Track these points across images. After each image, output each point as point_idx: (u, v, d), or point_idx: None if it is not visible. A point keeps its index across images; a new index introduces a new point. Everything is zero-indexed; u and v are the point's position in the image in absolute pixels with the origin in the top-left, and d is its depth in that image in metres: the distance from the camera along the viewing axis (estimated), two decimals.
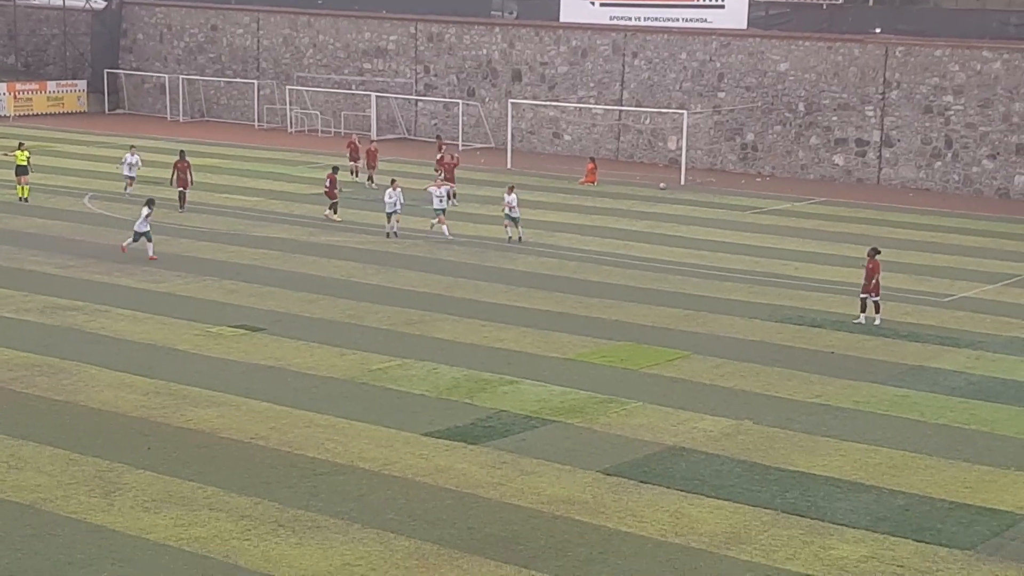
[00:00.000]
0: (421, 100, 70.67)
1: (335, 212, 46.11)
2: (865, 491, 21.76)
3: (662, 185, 55.43)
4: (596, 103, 65.31)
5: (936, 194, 56.29)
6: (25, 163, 48.19)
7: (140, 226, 38.21)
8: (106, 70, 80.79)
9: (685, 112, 60.17)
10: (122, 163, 50.23)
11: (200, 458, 22.59)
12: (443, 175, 48.80)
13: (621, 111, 64.67)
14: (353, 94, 72.09)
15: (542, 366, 28.64)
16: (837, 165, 59.42)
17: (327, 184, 46.27)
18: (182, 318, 32.05)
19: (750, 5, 62.69)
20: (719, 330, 32.22)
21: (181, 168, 47.31)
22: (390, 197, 42.65)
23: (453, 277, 37.45)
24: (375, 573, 18.33)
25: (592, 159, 58.34)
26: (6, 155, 51.74)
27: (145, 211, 38.29)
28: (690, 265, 39.94)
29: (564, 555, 19.04)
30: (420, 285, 36.31)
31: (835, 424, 25.20)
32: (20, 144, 49.92)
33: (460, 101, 68.30)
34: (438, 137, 61.80)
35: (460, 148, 63.67)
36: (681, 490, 21.64)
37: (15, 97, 77.33)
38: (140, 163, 50.41)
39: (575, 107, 65.75)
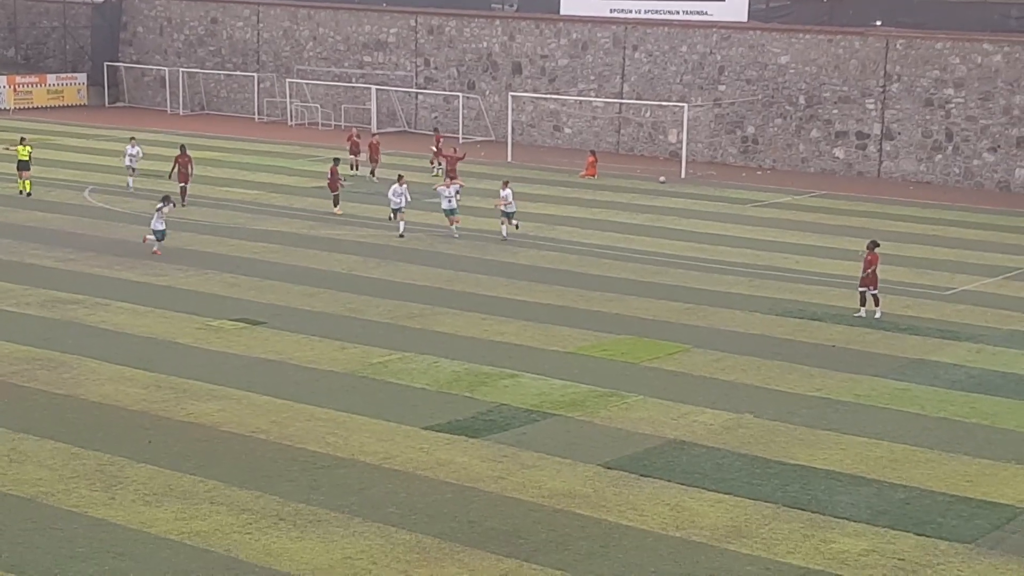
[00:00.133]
0: (421, 93, 70.64)
1: (335, 205, 46.06)
2: (866, 484, 21.77)
3: (662, 179, 55.41)
4: (596, 96, 65.26)
5: (937, 187, 56.27)
6: (27, 158, 48.13)
7: (156, 223, 38.08)
8: (106, 63, 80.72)
9: (686, 105, 60.14)
10: (124, 155, 50.17)
11: (201, 452, 22.61)
12: (440, 165, 48.46)
13: (621, 104, 64.64)
14: (353, 87, 72.05)
15: (543, 360, 28.65)
16: (838, 158, 59.39)
17: (329, 176, 46.21)
18: (183, 311, 32.07)
19: None
20: (719, 323, 32.22)
21: (182, 162, 47.26)
22: (395, 194, 42.27)
23: (454, 271, 37.44)
24: (376, 567, 18.34)
25: (592, 152, 58.31)
26: (7, 149, 51.71)
27: (162, 207, 38.15)
28: (690, 258, 39.94)
29: (565, 549, 19.06)
30: (421, 279, 36.31)
31: (836, 418, 25.22)
32: (22, 139, 49.85)
33: (460, 94, 68.27)
34: (435, 130, 61.79)
35: (460, 141, 63.64)
36: (682, 484, 21.65)
37: (15, 90, 77.27)
38: (141, 154, 50.37)
39: (575, 100, 65.72)
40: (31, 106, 77.28)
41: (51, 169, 53.62)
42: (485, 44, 68.82)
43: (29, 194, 47.94)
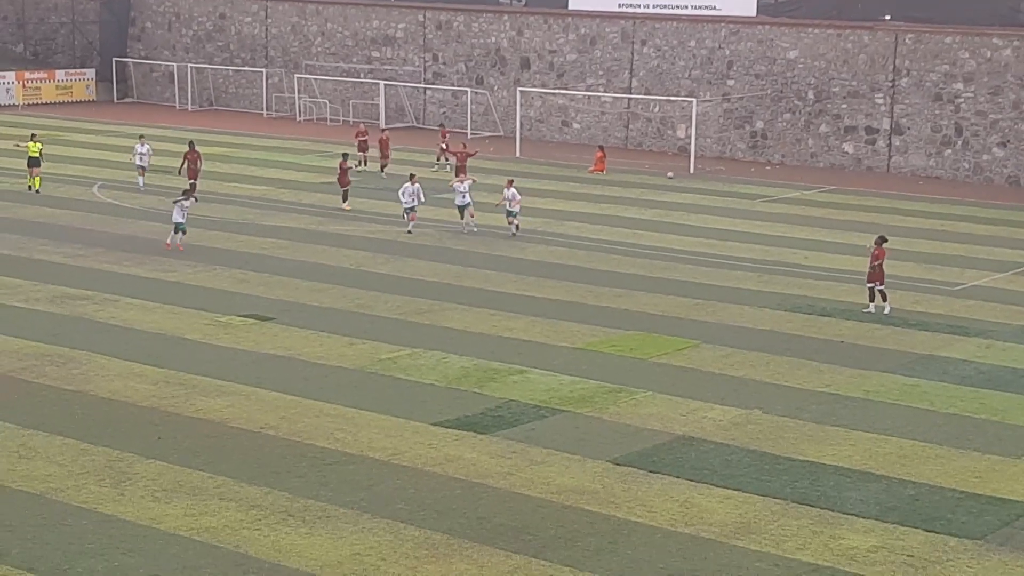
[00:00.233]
0: (430, 88, 70.60)
1: (344, 200, 46.06)
2: (875, 481, 21.75)
3: (670, 175, 55.33)
4: (605, 91, 65.21)
5: (946, 182, 56.16)
6: (37, 154, 48.16)
7: (177, 216, 38.11)
8: (115, 59, 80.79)
9: (694, 100, 60.06)
10: (134, 154, 50.10)
11: (210, 448, 22.64)
12: (446, 161, 48.24)
13: (630, 99, 64.57)
14: (361, 82, 72.05)
15: (551, 355, 28.64)
16: (847, 153, 59.29)
17: (339, 171, 46.19)
18: (192, 307, 32.09)
19: None
20: (728, 319, 32.19)
21: (191, 158, 47.29)
22: (407, 194, 41.67)
23: (462, 266, 37.43)
24: (384, 563, 18.35)
25: (601, 147, 58.25)
26: (18, 146, 51.77)
27: (182, 200, 38.21)
28: (699, 254, 39.90)
29: (573, 545, 19.06)
30: (429, 274, 36.31)
31: (845, 413, 25.18)
32: (33, 135, 49.91)
33: (469, 89, 68.23)
34: (441, 125, 61.77)
35: (469, 136, 63.60)
36: (690, 480, 21.64)
37: (24, 86, 77.35)
38: (151, 152, 50.26)
39: (584, 95, 65.66)
40: (40, 102, 77.35)
41: (60, 165, 53.66)
42: (493, 39, 68.77)
43: (38, 191, 47.99)
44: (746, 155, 61.51)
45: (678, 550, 18.98)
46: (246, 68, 76.71)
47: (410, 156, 57.41)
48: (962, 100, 56.56)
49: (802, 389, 26.72)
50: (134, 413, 24.39)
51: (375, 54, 72.63)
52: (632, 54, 64.64)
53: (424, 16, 70.91)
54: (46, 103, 77.43)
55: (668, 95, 62.95)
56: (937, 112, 57.11)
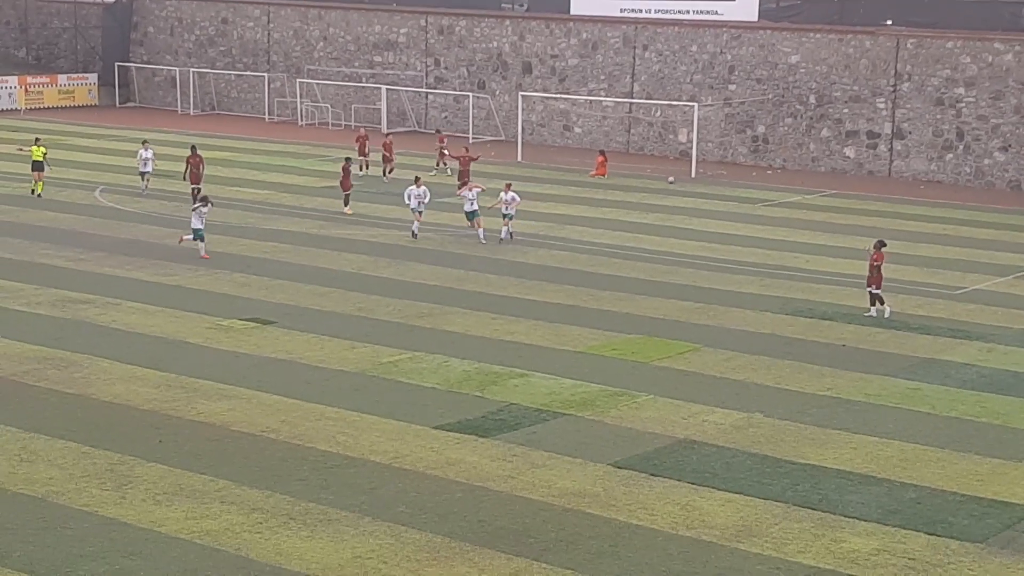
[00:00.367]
0: (431, 93, 70.66)
1: (346, 204, 46.09)
2: (876, 484, 21.74)
3: (671, 179, 55.35)
4: (607, 96, 65.24)
5: (948, 186, 56.17)
6: (41, 159, 48.19)
7: (195, 222, 38.05)
8: (117, 63, 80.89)
9: (696, 105, 60.09)
10: (139, 160, 50.04)
11: (211, 451, 22.64)
12: (445, 166, 48.27)
13: (632, 104, 64.60)
14: (364, 87, 72.10)
15: (553, 359, 28.64)
16: (848, 158, 59.31)
17: (342, 175, 46.18)
18: (193, 311, 32.10)
19: None
20: (730, 323, 32.19)
21: (194, 163, 47.32)
22: (412, 196, 41.55)
23: (464, 270, 37.45)
24: (386, 566, 18.35)
25: (602, 152, 58.28)
26: (21, 150, 51.79)
27: (200, 207, 38.17)
28: (701, 258, 39.90)
29: (575, 548, 19.06)
30: (431, 278, 36.32)
31: (846, 417, 25.18)
32: (36, 139, 49.94)
33: (470, 94, 68.28)
34: (438, 131, 61.79)
35: (471, 141, 63.63)
36: (692, 483, 21.64)
37: (26, 90, 77.45)
38: (154, 157, 50.15)
39: (586, 100, 65.69)
40: (42, 106, 77.45)
41: (62, 169, 53.66)
42: (495, 44, 68.82)
43: (40, 195, 48.01)
44: (747, 159, 61.53)
45: (679, 553, 18.97)
46: (248, 73, 76.78)
47: (412, 160, 57.41)
48: (963, 104, 56.57)
49: (803, 392, 26.72)
50: (135, 416, 24.39)
51: (377, 59, 72.69)
52: (634, 59, 64.68)
53: (426, 21, 70.97)
54: (48, 107, 77.53)
55: (670, 100, 62.98)
56: (938, 116, 57.13)
